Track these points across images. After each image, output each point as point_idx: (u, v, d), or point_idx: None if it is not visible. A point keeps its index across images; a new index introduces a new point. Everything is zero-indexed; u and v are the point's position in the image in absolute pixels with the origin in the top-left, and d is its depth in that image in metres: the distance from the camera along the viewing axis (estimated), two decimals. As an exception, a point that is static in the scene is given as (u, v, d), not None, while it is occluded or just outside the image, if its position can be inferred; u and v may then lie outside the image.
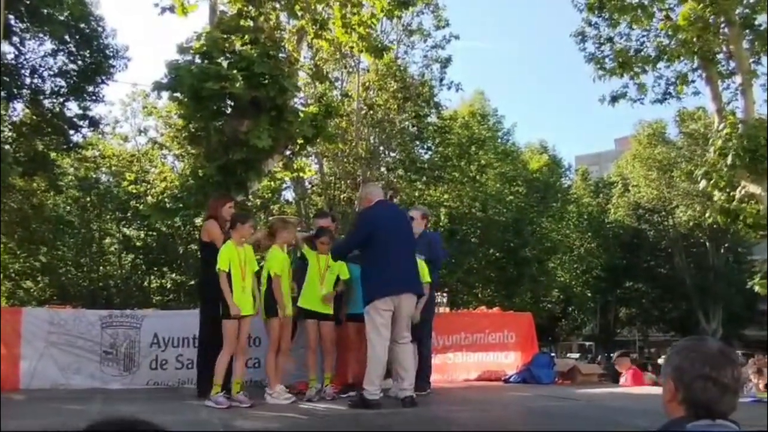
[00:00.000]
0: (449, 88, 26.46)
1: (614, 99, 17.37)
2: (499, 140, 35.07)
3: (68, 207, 28.39)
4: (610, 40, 17.18)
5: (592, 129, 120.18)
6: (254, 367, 7.85)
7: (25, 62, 18.98)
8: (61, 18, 17.95)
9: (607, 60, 16.99)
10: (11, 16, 15.38)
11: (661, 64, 16.82)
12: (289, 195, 27.81)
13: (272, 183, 22.11)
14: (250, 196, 11.30)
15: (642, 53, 16.80)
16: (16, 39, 17.82)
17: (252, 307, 6.45)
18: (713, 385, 1.95)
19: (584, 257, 37.94)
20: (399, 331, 6.27)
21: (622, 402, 6.39)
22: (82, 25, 19.26)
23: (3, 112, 19.15)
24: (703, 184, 15.42)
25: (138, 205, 27.26)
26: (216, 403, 6.06)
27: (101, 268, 30.76)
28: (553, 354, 15.60)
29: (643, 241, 41.17)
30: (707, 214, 18.69)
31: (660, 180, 38.00)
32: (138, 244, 30.30)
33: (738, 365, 2.03)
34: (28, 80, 19.20)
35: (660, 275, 41.26)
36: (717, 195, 15.00)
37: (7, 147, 17.44)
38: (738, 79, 15.37)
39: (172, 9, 11.68)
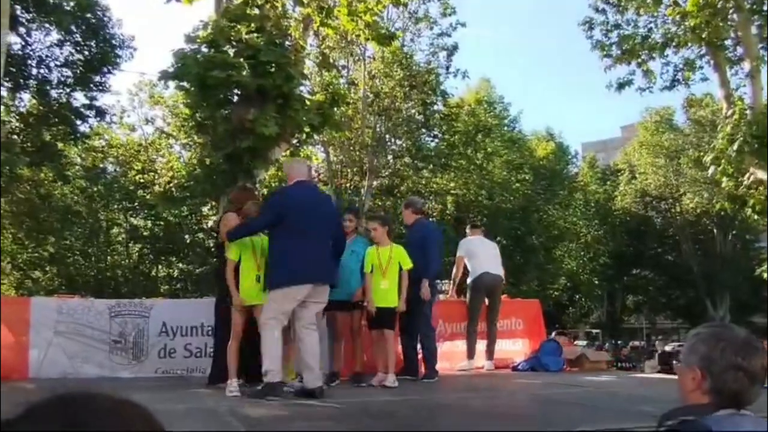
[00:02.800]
0: (455, 76, 26.34)
1: (621, 86, 17.31)
2: (506, 128, 34.98)
3: (75, 197, 28.45)
4: (617, 26, 17.10)
5: (598, 116, 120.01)
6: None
7: (31, 53, 19.00)
8: (67, 8, 17.97)
9: (613, 47, 16.92)
10: (18, 7, 15.39)
11: (668, 51, 16.75)
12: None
13: (279, 172, 22.11)
14: (257, 185, 11.29)
15: (650, 40, 16.71)
16: (22, 29, 17.84)
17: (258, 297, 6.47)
18: (744, 375, 1.92)
19: (591, 245, 37.88)
20: (308, 319, 5.99)
21: (630, 389, 6.39)
22: (88, 15, 19.28)
23: (10, 103, 19.19)
24: (711, 170, 15.36)
25: (145, 194, 27.36)
26: (229, 391, 6.12)
27: (109, 257, 30.85)
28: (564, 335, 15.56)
29: (650, 229, 41.08)
30: (715, 201, 18.67)
31: (667, 167, 37.88)
32: (145, 233, 30.39)
33: (764, 353, 1.99)
34: (34, 71, 19.23)
35: (667, 262, 41.21)
36: (725, 182, 14.95)
37: (14, 137, 17.49)
38: (746, 65, 15.29)
39: (177, -2, 11.67)
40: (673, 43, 16.35)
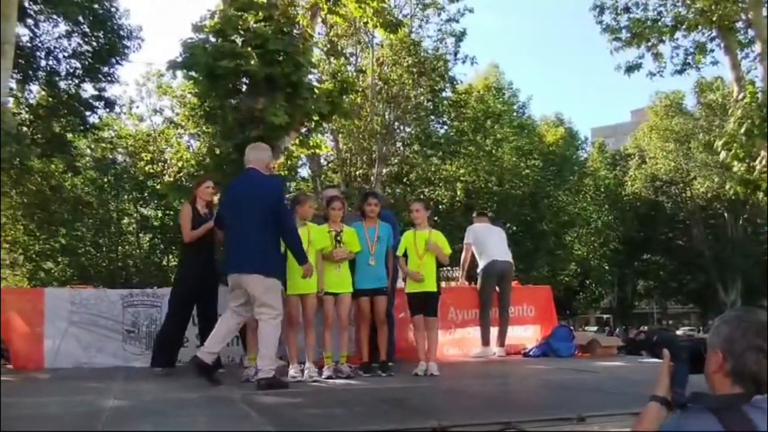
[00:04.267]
0: (464, 62, 26.28)
1: (629, 69, 17.23)
2: (515, 114, 34.87)
3: (86, 188, 28.57)
4: (627, 9, 16.99)
5: (608, 101, 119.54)
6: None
7: (40, 44, 19.04)
8: (75, -1, 17.98)
9: (623, 31, 16.82)
10: (25, -2, 15.42)
11: (678, 34, 16.64)
12: (305, 172, 27.83)
13: (288, 161, 22.11)
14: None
15: (659, 23, 16.60)
16: (30, 21, 17.86)
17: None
18: (764, 356, 1.93)
19: (601, 230, 37.78)
20: (253, 309, 6.06)
21: (643, 374, 6.37)
22: (96, 6, 19.28)
23: (20, 95, 19.24)
24: (722, 155, 15.27)
25: (155, 184, 27.42)
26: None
27: (120, 248, 30.99)
28: (571, 327, 15.64)
29: (661, 213, 40.94)
30: (726, 186, 18.58)
31: (677, 151, 37.74)
32: (155, 223, 30.49)
33: None
34: (43, 62, 19.27)
35: (678, 247, 41.09)
36: (736, 166, 14.86)
37: (24, 129, 17.54)
38: (757, 47, 15.17)
39: (185, -14, 11.66)
40: (683, 26, 16.23)
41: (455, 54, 26.18)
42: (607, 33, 17.04)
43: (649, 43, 16.75)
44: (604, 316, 48.52)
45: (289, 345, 6.75)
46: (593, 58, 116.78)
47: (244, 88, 11.29)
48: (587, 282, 41.99)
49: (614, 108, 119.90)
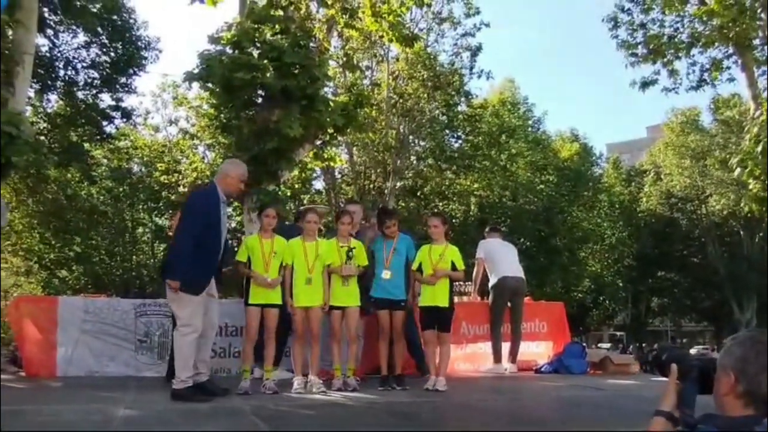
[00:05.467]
0: (479, 77, 26.35)
1: (644, 85, 17.19)
2: (530, 129, 34.84)
3: (102, 197, 28.75)
4: (642, 26, 16.98)
5: (623, 117, 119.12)
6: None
7: (59, 54, 19.24)
8: (94, 10, 18.14)
9: (639, 47, 16.81)
10: (45, 9, 15.56)
11: (695, 50, 16.59)
12: (319, 185, 27.91)
13: (303, 173, 22.18)
14: (280, 186, 11.35)
15: (675, 39, 16.57)
16: (50, 31, 18.05)
17: (276, 297, 6.54)
18: None
19: (616, 246, 37.58)
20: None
21: (655, 392, 6.32)
22: (114, 17, 19.47)
23: (38, 104, 19.42)
24: (738, 172, 15.17)
25: (170, 194, 27.55)
26: (239, 388, 6.24)
27: (134, 257, 31.14)
28: (584, 344, 15.58)
29: (676, 230, 40.70)
30: (742, 203, 18.45)
31: (693, 168, 37.55)
32: (170, 233, 30.55)
33: None
34: (62, 72, 19.46)
35: (693, 265, 40.80)
36: (752, 183, 14.75)
37: (42, 138, 17.70)
38: (774, 65, 15.10)
39: (202, -1, 11.77)
40: (700, 43, 16.19)
41: (471, 68, 26.27)
42: (623, 48, 17.03)
43: (665, 59, 16.72)
44: (618, 333, 48.20)
45: (295, 357, 6.74)
46: (609, 74, 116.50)
47: (260, 100, 11.34)
48: (601, 298, 41.74)
49: (630, 124, 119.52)
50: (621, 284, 39.53)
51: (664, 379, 2.33)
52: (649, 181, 41.32)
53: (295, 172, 17.71)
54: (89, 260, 28.82)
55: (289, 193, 21.99)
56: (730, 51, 16.18)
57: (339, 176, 27.27)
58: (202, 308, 6.05)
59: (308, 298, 6.60)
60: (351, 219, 7.13)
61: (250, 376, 6.44)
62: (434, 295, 6.90)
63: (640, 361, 12.23)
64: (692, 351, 25.17)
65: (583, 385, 7.49)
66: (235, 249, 7.04)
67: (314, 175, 25.73)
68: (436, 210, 25.46)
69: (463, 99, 26.74)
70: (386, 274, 7.02)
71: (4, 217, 6.92)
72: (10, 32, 9.79)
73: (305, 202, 24.61)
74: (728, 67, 16.77)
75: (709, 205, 38.01)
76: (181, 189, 25.96)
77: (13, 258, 27.05)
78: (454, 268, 6.97)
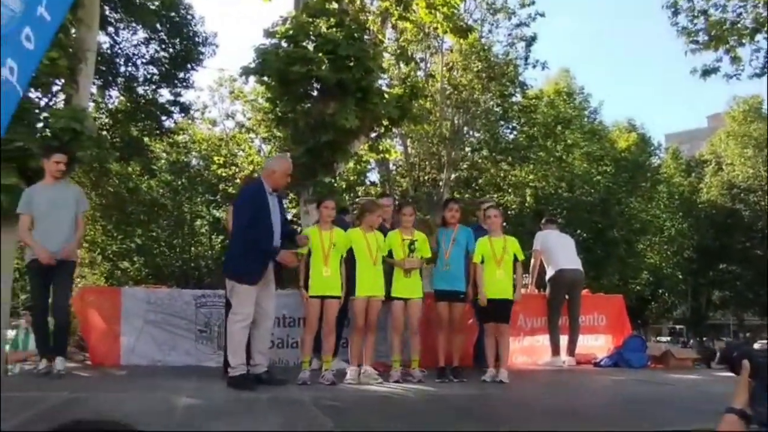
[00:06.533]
0: (534, 67, 26.02)
1: (706, 73, 16.75)
2: (586, 119, 34.26)
3: (161, 190, 29.31)
4: (704, 12, 16.53)
5: (683, 106, 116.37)
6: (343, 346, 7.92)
7: (119, 51, 19.64)
8: (153, 7, 18.50)
9: (700, 34, 16.37)
10: (106, 7, 15.93)
11: (759, 36, 16.09)
12: (374, 177, 27.97)
13: (358, 165, 22.26)
14: (336, 178, 11.42)
15: (739, 25, 16.10)
16: (111, 29, 18.46)
17: (336, 288, 6.57)
18: None
19: (675, 238, 36.75)
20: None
21: (721, 387, 6.15)
22: (173, 14, 19.78)
23: (100, 100, 19.89)
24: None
25: (227, 187, 27.93)
26: (299, 379, 6.31)
27: (192, 248, 31.67)
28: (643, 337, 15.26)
29: (738, 222, 39.57)
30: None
31: (756, 158, 36.52)
32: (224, 226, 31.01)
33: None
34: (122, 68, 19.87)
35: (756, 257, 39.59)
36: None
37: (104, 133, 18.12)
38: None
39: (257, -6, 11.87)
40: (765, 29, 15.70)
41: (525, 58, 25.97)
42: (683, 35, 16.61)
43: (728, 46, 16.25)
44: (677, 326, 47.21)
45: (352, 348, 6.81)
46: (668, 62, 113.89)
47: (315, 93, 11.42)
48: (659, 291, 40.89)
49: (689, 113, 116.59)
50: (680, 277, 38.63)
51: (729, 374, 2.28)
52: (710, 172, 40.29)
53: (350, 164, 17.78)
54: (150, 252, 29.44)
55: (344, 186, 22.13)
56: (797, 36, 15.67)
57: (394, 168, 27.28)
58: (253, 297, 6.21)
59: (370, 288, 6.65)
60: (413, 211, 7.19)
61: (309, 367, 6.51)
62: (501, 288, 6.89)
63: (702, 355, 11.98)
64: (756, 346, 24.49)
65: (645, 380, 7.36)
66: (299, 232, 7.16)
67: (369, 167, 25.80)
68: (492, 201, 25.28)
69: (517, 90, 26.48)
70: (446, 266, 7.01)
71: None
72: (73, 30, 10.04)
73: (360, 194, 24.73)
74: (794, 53, 16.24)
75: (773, 195, 36.90)
76: (237, 182, 26.27)
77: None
78: (516, 260, 7.00)
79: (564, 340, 8.92)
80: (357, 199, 23.35)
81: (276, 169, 6.53)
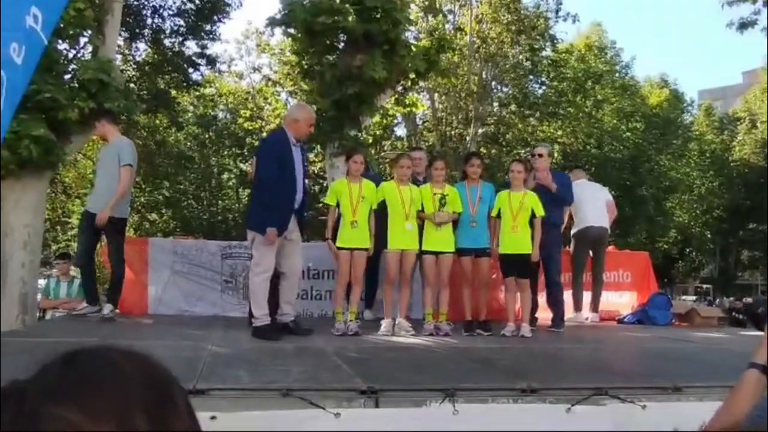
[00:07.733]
0: (565, 20, 25.53)
1: (743, 26, 16.29)
2: (617, 74, 33.64)
3: (188, 143, 29.45)
4: (742, -40, 16.04)
5: (717, 61, 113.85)
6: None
7: (146, 3, 19.55)
8: (180, -43, 18.36)
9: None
10: (133, -42, 15.84)
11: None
12: (400, 131, 27.81)
13: (384, 119, 22.14)
14: (362, 131, 11.38)
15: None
16: (137, -20, 18.37)
17: (365, 240, 6.59)
18: None
19: (705, 197, 36.31)
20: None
21: (744, 346, 6.12)
22: (199, -35, 19.62)
23: (127, 52, 19.90)
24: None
25: (254, 141, 27.98)
26: (335, 329, 6.40)
27: (219, 201, 31.89)
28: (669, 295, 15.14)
29: (771, 181, 38.94)
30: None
31: (793, 116, 35.67)
32: (249, 179, 31.10)
33: None
34: (149, 20, 19.80)
35: (788, 217, 39.09)
36: None
37: (131, 85, 18.16)
38: None
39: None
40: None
41: (556, 11, 25.48)
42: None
43: (766, -3, 15.77)
44: (704, 285, 46.85)
45: (386, 300, 6.85)
46: (702, 16, 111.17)
47: (342, 44, 11.32)
48: (687, 250, 40.56)
49: (724, 69, 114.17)
50: (709, 236, 38.27)
51: (756, 333, 2.24)
52: (744, 130, 39.50)
53: (377, 118, 17.65)
54: (177, 204, 29.70)
55: (370, 140, 22.03)
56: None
57: (420, 123, 27.11)
58: (274, 249, 6.20)
59: (403, 241, 6.67)
60: (444, 165, 7.17)
61: (343, 317, 6.57)
62: (517, 243, 6.86)
63: (725, 312, 11.88)
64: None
65: (669, 337, 7.34)
66: (320, 194, 7.21)
67: (395, 121, 25.64)
68: (518, 157, 25.13)
69: (548, 43, 26.03)
70: (473, 224, 7.00)
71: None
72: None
73: (386, 148, 24.64)
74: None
75: (807, 154, 36.18)
76: (264, 135, 26.32)
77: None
78: (533, 215, 6.91)
79: (588, 296, 8.90)
80: (382, 153, 23.31)
81: (299, 117, 6.48)
